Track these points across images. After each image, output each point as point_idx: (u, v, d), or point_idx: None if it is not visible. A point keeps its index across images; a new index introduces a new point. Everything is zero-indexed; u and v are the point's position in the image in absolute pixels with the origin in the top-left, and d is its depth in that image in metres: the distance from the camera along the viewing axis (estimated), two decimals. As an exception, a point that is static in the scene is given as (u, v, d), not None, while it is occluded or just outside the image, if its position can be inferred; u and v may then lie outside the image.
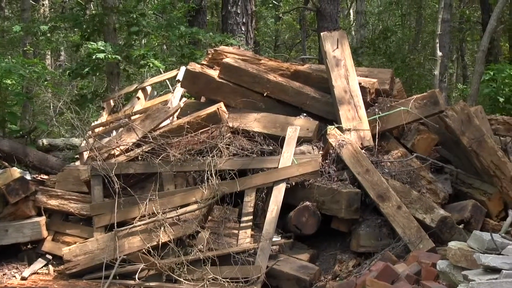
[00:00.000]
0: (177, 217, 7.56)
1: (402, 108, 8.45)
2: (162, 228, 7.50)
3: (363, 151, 7.96)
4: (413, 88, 24.08)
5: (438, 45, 20.76)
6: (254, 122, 8.67)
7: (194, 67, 9.25)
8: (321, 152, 8.37)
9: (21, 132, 12.39)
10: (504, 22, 25.66)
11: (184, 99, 10.54)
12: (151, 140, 8.26)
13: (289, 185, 7.89)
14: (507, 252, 5.11)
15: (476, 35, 30.46)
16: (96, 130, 10.55)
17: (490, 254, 5.11)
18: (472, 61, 30.77)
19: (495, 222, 8.05)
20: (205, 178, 7.74)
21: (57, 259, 8.21)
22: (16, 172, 8.42)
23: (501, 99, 17.92)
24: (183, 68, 10.60)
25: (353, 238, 7.66)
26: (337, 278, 7.19)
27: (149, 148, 8.24)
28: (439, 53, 20.52)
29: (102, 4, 13.94)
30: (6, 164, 9.84)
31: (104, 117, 11.38)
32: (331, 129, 8.21)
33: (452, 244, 5.71)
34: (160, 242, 7.43)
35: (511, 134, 10.57)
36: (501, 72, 18.37)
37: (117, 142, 8.53)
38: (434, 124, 8.58)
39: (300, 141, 8.38)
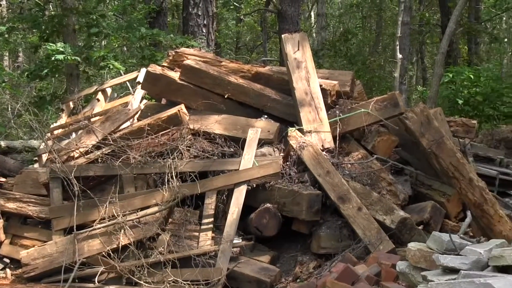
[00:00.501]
0: (138, 220, 7.51)
1: (362, 110, 8.49)
2: (122, 230, 7.45)
3: (324, 153, 7.99)
4: (373, 90, 24.25)
5: (398, 47, 20.92)
6: (215, 124, 8.65)
7: (155, 69, 9.21)
8: (282, 154, 8.37)
9: (-22, 135, 12.27)
10: (463, 25, 25.92)
11: (144, 101, 10.50)
12: (111, 142, 8.20)
13: (250, 187, 7.89)
14: (466, 253, 5.16)
15: (436, 37, 30.78)
16: (55, 132, 10.48)
17: (449, 255, 5.16)
18: (432, 64, 31.06)
19: (454, 223, 8.13)
20: (166, 180, 7.70)
21: (15, 263, 8.12)
22: (-28, 175, 8.33)
23: (460, 101, 18.10)
24: (143, 70, 10.57)
25: (313, 239, 7.67)
26: (298, 280, 7.20)
27: (109, 150, 8.18)
28: (399, 56, 20.67)
29: (61, 5, 13.84)
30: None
31: (64, 119, 11.30)
32: (292, 131, 8.22)
33: (412, 245, 5.76)
34: (120, 245, 7.38)
35: (470, 136, 10.70)
36: (460, 75, 18.57)
37: (76, 144, 8.46)
38: (394, 126, 8.64)
39: (261, 143, 8.39)
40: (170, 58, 9.80)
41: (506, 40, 36.57)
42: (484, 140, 15.44)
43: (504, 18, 37.39)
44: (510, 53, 34.62)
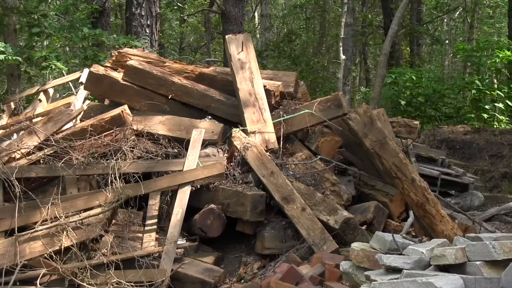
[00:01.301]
0: (80, 221, 7.42)
1: (306, 110, 8.53)
2: (65, 232, 7.35)
3: (267, 153, 8.00)
4: (317, 91, 24.40)
5: (341, 48, 21.11)
6: (159, 124, 8.61)
7: (98, 69, 9.13)
8: (226, 154, 8.37)
9: None
10: (405, 26, 26.24)
11: (87, 102, 10.40)
12: (53, 143, 8.09)
13: (194, 188, 7.86)
14: (408, 252, 5.22)
15: (378, 39, 31.11)
16: (-4, 133, 10.31)
17: (391, 255, 5.20)
18: (375, 65, 31.38)
19: (397, 223, 8.21)
20: (109, 182, 7.63)
21: (-45, 266, 7.97)
22: None
23: (403, 102, 18.32)
24: (86, 70, 10.47)
25: (258, 240, 7.68)
26: (242, 281, 7.19)
27: (51, 151, 8.06)
28: (343, 57, 20.86)
29: (1, 4, 13.62)
30: None
31: (5, 119, 11.14)
32: (236, 132, 8.21)
33: (355, 245, 5.80)
34: (62, 247, 7.28)
35: (412, 136, 10.82)
36: (402, 76, 18.79)
37: (18, 145, 8.32)
38: (338, 127, 8.69)
39: (205, 143, 8.37)
40: (113, 58, 9.72)
41: (447, 41, 37.12)
42: (426, 140, 15.66)
43: (445, 20, 37.93)
44: (451, 54, 35.10)
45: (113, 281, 6.87)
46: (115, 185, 7.57)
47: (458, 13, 36.74)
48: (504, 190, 12.49)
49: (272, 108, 8.69)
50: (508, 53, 19.13)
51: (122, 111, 8.36)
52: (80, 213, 7.55)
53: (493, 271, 4.67)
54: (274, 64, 25.42)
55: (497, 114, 19.47)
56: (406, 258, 5.12)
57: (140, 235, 7.55)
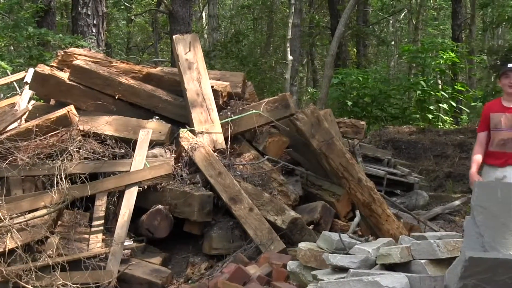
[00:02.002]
0: (25, 223, 7.32)
1: (254, 111, 8.55)
2: (9, 234, 7.25)
3: (215, 154, 7.99)
4: (265, 91, 24.47)
5: (289, 49, 21.19)
6: (106, 125, 8.54)
7: (43, 69, 9.02)
8: (173, 155, 8.34)
9: None
10: (352, 27, 26.44)
11: (32, 102, 10.26)
12: (-3, 143, 8.00)
13: (141, 188, 7.82)
14: (354, 252, 5.26)
15: (325, 40, 31.32)
16: None
17: (338, 254, 5.24)
18: (322, 65, 31.58)
19: (344, 223, 8.27)
20: (55, 182, 7.55)
21: None
22: None
23: (349, 103, 18.48)
24: (31, 70, 10.32)
25: (205, 240, 7.67)
26: (190, 281, 7.18)
27: (-5, 152, 7.98)
28: (290, 57, 20.94)
29: None
30: None
31: None
32: (184, 132, 8.19)
33: (302, 245, 5.83)
34: (6, 249, 7.17)
35: (359, 136, 10.92)
36: (349, 77, 18.96)
37: (-39, 146, 8.21)
38: (285, 127, 8.72)
39: (153, 144, 8.33)
40: (59, 58, 9.62)
41: (393, 43, 37.56)
42: (372, 140, 15.83)
43: (391, 21, 38.35)
44: (396, 55, 35.51)
45: (58, 283, 6.80)
46: (61, 186, 7.50)
47: (403, 14, 37.21)
48: (448, 189, 12.68)
49: (219, 109, 8.69)
50: (452, 54, 19.42)
51: (68, 111, 8.28)
52: (25, 214, 7.45)
53: (437, 269, 4.74)
54: (222, 65, 25.42)
55: (441, 115, 19.76)
56: (352, 257, 5.17)
57: (87, 236, 7.48)
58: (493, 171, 7.60)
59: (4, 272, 6.90)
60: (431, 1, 35.77)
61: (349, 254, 5.29)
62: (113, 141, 8.33)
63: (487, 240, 4.33)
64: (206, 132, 8.30)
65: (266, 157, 8.40)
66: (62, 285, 6.80)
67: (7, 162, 7.74)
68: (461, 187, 12.99)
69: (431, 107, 19.53)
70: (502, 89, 7.76)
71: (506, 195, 4.45)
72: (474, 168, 7.67)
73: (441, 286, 4.48)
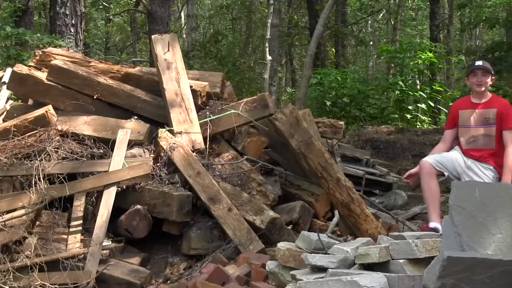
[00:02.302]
0: (3, 223, 7.29)
1: (232, 111, 8.55)
2: (-13, 234, 7.23)
3: (194, 154, 7.98)
4: (243, 91, 24.47)
5: (267, 49, 21.23)
6: (84, 125, 8.51)
7: (21, 69, 8.97)
8: (152, 155, 8.33)
9: None
10: (330, 28, 26.50)
11: (10, 102, 10.21)
12: (-25, 143, 7.96)
13: (120, 188, 7.80)
14: (333, 252, 5.28)
15: (304, 40, 31.37)
16: None
17: (317, 254, 5.25)
18: (301, 66, 31.64)
19: (322, 223, 8.29)
20: (33, 183, 7.51)
21: None
22: None
23: (328, 103, 18.50)
24: (9, 70, 10.27)
25: (184, 241, 7.66)
26: (168, 282, 7.18)
27: (-27, 152, 7.93)
28: (269, 57, 20.97)
29: None
30: None
31: None
32: (162, 132, 8.18)
33: (281, 244, 5.84)
34: (-16, 249, 7.17)
35: (337, 136, 10.95)
36: (327, 77, 18.99)
37: None
38: (264, 127, 8.73)
39: (131, 144, 8.31)
40: (37, 58, 9.57)
41: (371, 43, 37.68)
42: (351, 140, 15.86)
43: (370, 22, 38.48)
44: (375, 56, 35.62)
45: (37, 283, 6.77)
46: (39, 186, 7.46)
47: (382, 15, 37.35)
48: (427, 189, 12.68)
49: (198, 109, 8.68)
50: (430, 54, 19.51)
51: (46, 111, 8.24)
52: (3, 215, 7.41)
53: (415, 269, 4.77)
54: (201, 65, 25.41)
55: (419, 115, 19.85)
56: (331, 257, 5.18)
57: (65, 236, 7.45)
58: (463, 156, 7.41)
59: (-19, 272, 6.87)
60: (409, 2, 35.92)
61: (328, 254, 5.31)
62: (92, 141, 8.30)
63: (465, 239, 4.36)
64: (185, 132, 8.29)
65: (245, 157, 8.40)
66: (40, 286, 6.77)
67: (-16, 162, 7.70)
68: (440, 187, 13.04)
69: (410, 107, 19.61)
70: (471, 88, 7.68)
71: (484, 195, 4.49)
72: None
73: (420, 285, 4.50)
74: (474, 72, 7.43)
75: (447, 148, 7.66)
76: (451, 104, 21.79)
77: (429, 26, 26.71)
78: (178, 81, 8.66)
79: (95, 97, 8.84)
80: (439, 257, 4.12)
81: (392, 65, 25.01)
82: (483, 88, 7.39)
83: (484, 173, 7.25)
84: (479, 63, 7.56)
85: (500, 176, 7.19)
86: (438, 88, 19.81)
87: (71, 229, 7.48)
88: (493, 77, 7.57)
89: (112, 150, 8.05)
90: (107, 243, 7.38)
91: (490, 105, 7.38)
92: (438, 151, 7.62)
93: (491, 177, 7.24)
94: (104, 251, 7.29)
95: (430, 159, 7.26)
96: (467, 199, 4.46)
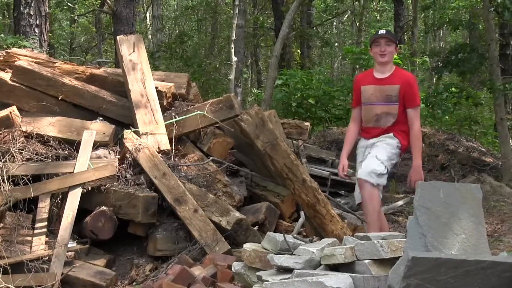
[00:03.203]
0: (-34, 225, 7.26)
1: (198, 112, 8.55)
2: (-50, 236, 7.17)
3: (160, 155, 7.97)
4: (209, 92, 24.45)
5: (233, 50, 21.23)
6: (49, 126, 8.45)
7: (-16, 69, 8.92)
8: (117, 156, 8.30)
9: None
10: (296, 29, 26.57)
11: (-27, 103, 10.14)
12: None
13: (85, 190, 7.76)
14: (299, 252, 5.28)
15: (270, 41, 31.42)
16: None
17: (283, 255, 5.26)
18: (266, 67, 31.68)
19: (288, 224, 8.32)
20: (-3, 184, 7.48)
21: None
22: None
23: (293, 104, 18.50)
24: (-28, 70, 10.19)
25: (150, 242, 7.65)
26: (134, 283, 7.16)
27: None
28: (234, 58, 20.97)
29: None
30: None
31: None
32: (128, 133, 8.16)
33: (247, 245, 5.83)
34: None
35: (303, 137, 10.99)
36: (293, 78, 18.99)
37: None
38: (230, 128, 8.74)
39: (97, 145, 8.28)
40: (1, 58, 9.48)
41: (336, 44, 37.81)
42: (316, 141, 15.90)
43: (335, 23, 38.63)
44: (340, 57, 35.78)
45: (1, 286, 6.72)
46: (3, 187, 7.41)
47: (346, 16, 37.51)
48: (391, 190, 12.80)
49: (164, 110, 8.67)
50: (395, 56, 19.60)
51: (10, 112, 8.18)
52: (-34, 216, 7.36)
53: (381, 270, 4.79)
54: (166, 66, 25.35)
55: (384, 115, 19.89)
56: (297, 258, 5.19)
57: (30, 238, 7.40)
58: (365, 141, 7.24)
59: None
60: (374, 4, 36.12)
61: (294, 254, 5.31)
62: (57, 142, 8.26)
63: (429, 240, 4.39)
64: (151, 133, 8.27)
65: (211, 158, 8.41)
66: (4, 288, 6.73)
67: None
68: (404, 188, 13.11)
69: (374, 108, 19.68)
70: (374, 59, 7.33)
71: (448, 195, 4.52)
72: (344, 153, 7.37)
73: (385, 286, 4.53)
74: (377, 42, 7.13)
75: (359, 126, 7.40)
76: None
77: (393, 27, 26.83)
78: (144, 82, 8.64)
79: (60, 98, 8.78)
80: (403, 258, 4.15)
81: (357, 66, 25.10)
82: (386, 58, 7.12)
83: (383, 141, 7.04)
84: (382, 32, 7.23)
85: (402, 142, 7.05)
86: (402, 89, 19.89)
87: (35, 231, 7.43)
88: (397, 47, 7.35)
89: (77, 151, 8.01)
90: (72, 244, 7.35)
91: (393, 81, 7.09)
92: (350, 132, 7.46)
93: (391, 144, 7.05)
94: (69, 253, 7.26)
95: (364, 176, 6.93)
96: (431, 199, 4.49)
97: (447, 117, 18.70)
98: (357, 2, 32.00)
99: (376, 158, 6.88)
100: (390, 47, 7.10)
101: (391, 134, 7.05)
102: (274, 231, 7.62)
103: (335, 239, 5.86)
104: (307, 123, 11.34)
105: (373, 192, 6.83)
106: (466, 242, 4.46)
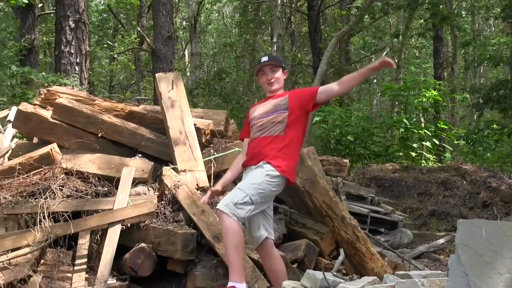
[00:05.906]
0: (8, 261, 7.28)
1: (237, 149, 8.55)
2: (-8, 273, 7.21)
3: (198, 192, 7.97)
4: (247, 129, 24.45)
5: (271, 87, 21.19)
6: (89, 163, 8.51)
7: (26, 107, 9.00)
8: (156, 193, 8.32)
9: None
10: (334, 65, 26.59)
11: (15, 140, 10.24)
12: (-20, 182, 7.96)
13: (124, 226, 7.78)
14: (339, 290, 5.23)
15: (308, 77, 31.47)
16: None
17: (323, 292, 5.21)
18: (305, 104, 31.58)
19: (327, 261, 8.24)
20: (38, 221, 7.51)
21: None
22: None
23: (332, 141, 18.48)
24: (14, 108, 10.32)
25: (189, 279, 7.62)
26: (173, 320, 7.15)
27: (-22, 190, 7.93)
28: (273, 95, 20.93)
29: None
30: None
31: None
32: (167, 170, 8.18)
33: (286, 283, 5.79)
34: (-11, 288, 7.14)
35: (342, 174, 10.93)
36: (331, 114, 18.99)
37: None
38: (268, 165, 8.71)
39: (136, 182, 8.31)
40: (42, 96, 9.61)
41: (375, 81, 37.77)
42: (356, 178, 15.83)
43: (373, 59, 38.55)
44: (379, 93, 35.71)
45: (41, 322, 6.75)
46: (44, 224, 7.46)
47: (385, 53, 37.47)
48: (432, 227, 12.69)
49: (202, 147, 8.69)
50: (435, 92, 19.54)
51: (51, 150, 8.26)
52: (8, 253, 7.40)
53: (422, 308, 4.73)
54: (205, 102, 25.52)
55: (424, 153, 19.83)
56: (337, 295, 5.14)
57: (70, 275, 7.42)
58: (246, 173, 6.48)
59: (-14, 311, 6.84)
60: (413, 40, 36.09)
61: (334, 292, 5.27)
62: (96, 179, 8.31)
63: (472, 279, 4.32)
64: (189, 170, 8.29)
65: (247, 194, 8.38)
66: (44, 325, 6.74)
67: (-11, 200, 7.70)
68: (445, 225, 13.00)
69: (414, 145, 19.62)
70: (263, 88, 6.72)
71: (491, 233, 4.46)
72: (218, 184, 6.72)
73: (426, 324, 4.46)
74: (262, 70, 6.52)
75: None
76: (456, 142, 21.80)
77: (433, 64, 26.79)
78: (182, 119, 8.68)
79: (99, 135, 8.85)
80: (446, 296, 4.09)
81: (396, 103, 25.06)
82: (275, 86, 6.52)
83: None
84: (264, 59, 6.58)
85: (285, 171, 6.21)
86: (442, 126, 19.83)
87: (75, 268, 7.45)
88: (285, 70, 6.67)
89: (117, 188, 8.04)
90: (111, 281, 7.35)
91: (283, 95, 6.46)
92: (238, 163, 6.68)
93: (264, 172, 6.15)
94: (109, 290, 7.26)
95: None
96: (473, 237, 4.42)
97: (488, 154, 18.59)
98: (395, 39, 31.99)
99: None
100: (276, 72, 6.52)
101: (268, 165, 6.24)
102: (314, 269, 7.55)
103: (376, 277, 5.80)
104: (346, 160, 11.28)
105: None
106: (510, 282, 4.38)
